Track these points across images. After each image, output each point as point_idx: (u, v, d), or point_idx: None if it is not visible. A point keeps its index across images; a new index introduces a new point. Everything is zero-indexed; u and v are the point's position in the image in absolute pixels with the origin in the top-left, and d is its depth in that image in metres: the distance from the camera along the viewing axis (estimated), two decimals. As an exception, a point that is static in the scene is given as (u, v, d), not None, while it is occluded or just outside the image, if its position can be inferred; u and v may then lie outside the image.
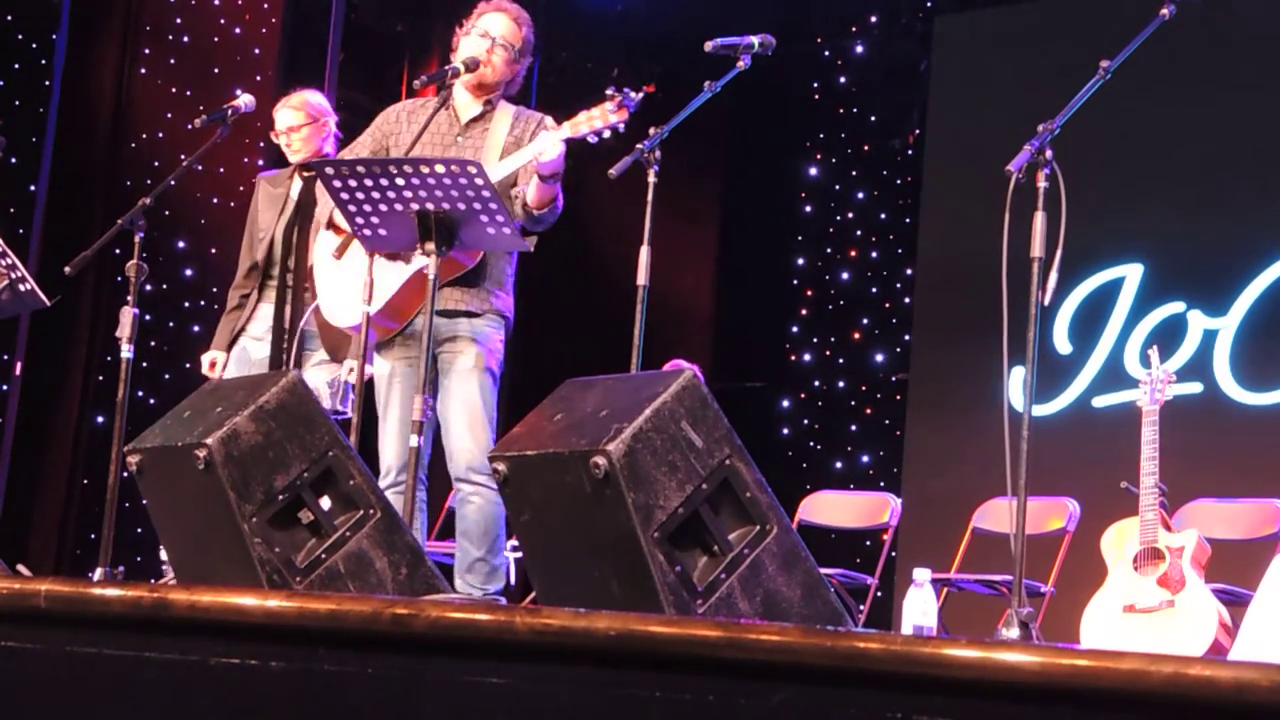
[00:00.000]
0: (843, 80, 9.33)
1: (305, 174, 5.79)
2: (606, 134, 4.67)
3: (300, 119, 5.81)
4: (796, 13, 8.96)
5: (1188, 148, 7.73)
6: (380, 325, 4.79)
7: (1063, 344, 7.89)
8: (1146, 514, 5.29)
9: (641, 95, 4.69)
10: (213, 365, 5.78)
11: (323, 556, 3.48)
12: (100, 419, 7.90)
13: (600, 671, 2.37)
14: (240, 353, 5.72)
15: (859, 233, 9.22)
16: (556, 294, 8.79)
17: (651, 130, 4.68)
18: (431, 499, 5.10)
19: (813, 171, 9.39)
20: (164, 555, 5.49)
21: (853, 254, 9.22)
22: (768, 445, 8.88)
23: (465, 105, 5.04)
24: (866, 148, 9.23)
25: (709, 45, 4.80)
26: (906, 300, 8.85)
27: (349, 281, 4.85)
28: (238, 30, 8.30)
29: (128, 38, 8.23)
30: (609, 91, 4.68)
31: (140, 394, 7.46)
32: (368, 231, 4.48)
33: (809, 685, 2.21)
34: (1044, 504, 6.00)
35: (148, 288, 6.08)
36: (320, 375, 5.58)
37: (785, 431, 9.20)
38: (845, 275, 9.22)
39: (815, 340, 9.24)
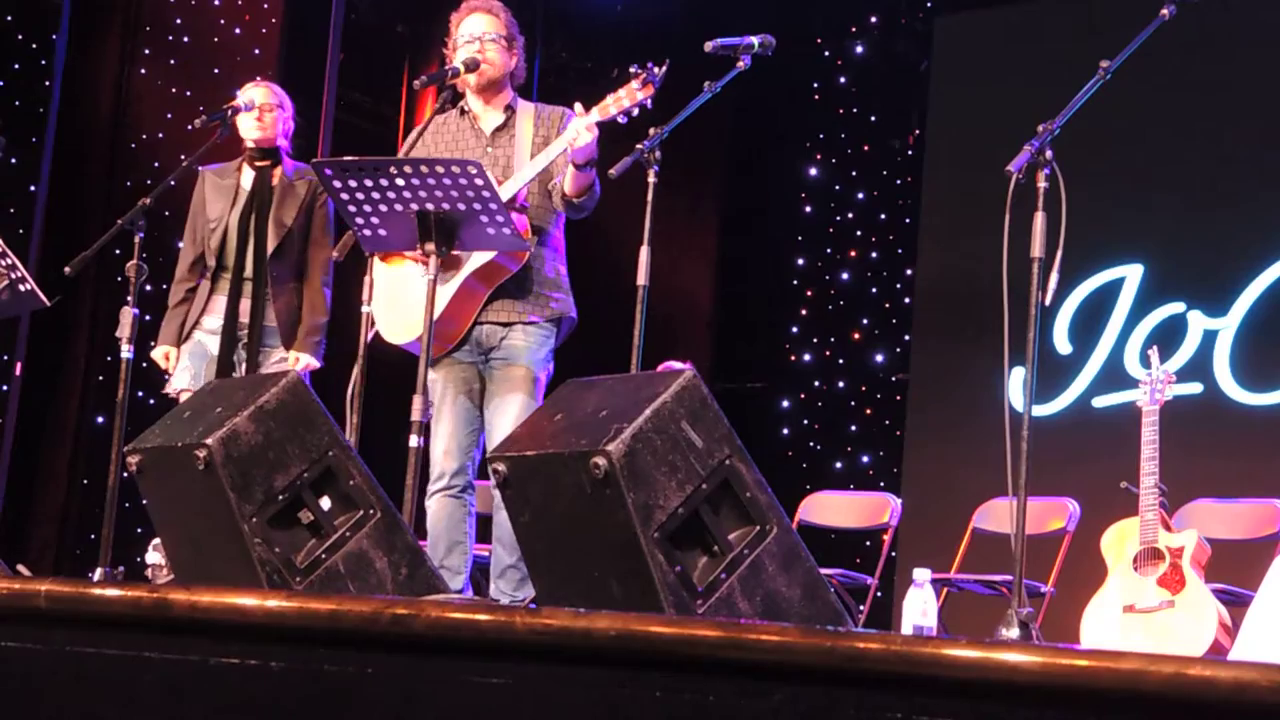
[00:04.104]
0: (843, 80, 9.32)
1: (257, 164, 5.76)
2: (635, 112, 4.71)
3: (273, 100, 5.83)
4: (796, 13, 8.95)
5: (1187, 148, 7.73)
6: (435, 342, 4.80)
7: (1063, 344, 7.89)
8: (1146, 514, 5.29)
9: (664, 69, 4.73)
10: (167, 357, 5.66)
11: (323, 556, 3.48)
12: (100, 419, 7.90)
13: (600, 671, 2.37)
14: (196, 347, 5.63)
15: (859, 233, 9.21)
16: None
17: (651, 130, 4.69)
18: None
19: (813, 171, 9.38)
20: (150, 558, 5.49)
21: (853, 254, 9.21)
22: (768, 445, 8.87)
23: (485, 115, 5.07)
24: (866, 148, 9.22)
25: (709, 45, 4.80)
26: (906, 300, 8.84)
27: (407, 302, 4.89)
28: (238, 30, 8.30)
29: (128, 38, 8.23)
30: (633, 69, 4.73)
31: (140, 394, 7.45)
32: (368, 231, 4.48)
33: (809, 685, 2.21)
34: (1044, 504, 6.00)
35: (148, 288, 6.06)
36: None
37: (785, 431, 9.19)
38: (845, 275, 9.22)
39: (815, 340, 9.23)
